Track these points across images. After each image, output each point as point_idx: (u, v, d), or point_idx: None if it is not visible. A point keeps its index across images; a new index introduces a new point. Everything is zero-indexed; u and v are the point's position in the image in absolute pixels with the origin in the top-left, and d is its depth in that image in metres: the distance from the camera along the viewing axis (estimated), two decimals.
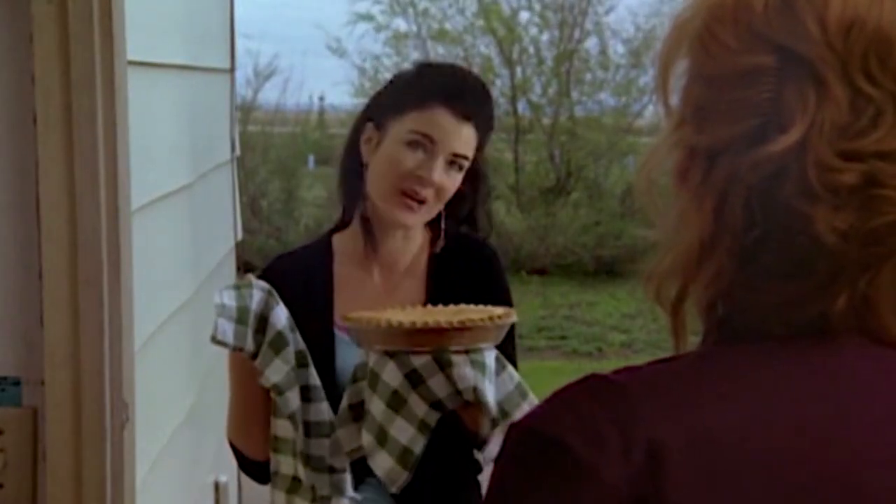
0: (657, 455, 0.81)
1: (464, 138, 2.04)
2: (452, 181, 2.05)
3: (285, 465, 2.00)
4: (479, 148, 2.09)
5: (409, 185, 2.03)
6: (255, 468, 2.11)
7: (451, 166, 2.04)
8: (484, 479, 2.11)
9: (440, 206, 2.08)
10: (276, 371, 1.94)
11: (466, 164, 2.06)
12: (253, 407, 2.02)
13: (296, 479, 1.99)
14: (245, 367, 1.98)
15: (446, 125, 2.02)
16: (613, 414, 0.83)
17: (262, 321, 1.95)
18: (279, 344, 1.95)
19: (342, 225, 2.16)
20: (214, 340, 1.92)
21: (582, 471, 0.82)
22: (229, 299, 1.94)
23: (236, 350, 1.95)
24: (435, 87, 2.06)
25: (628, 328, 9.67)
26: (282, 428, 1.98)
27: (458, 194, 2.11)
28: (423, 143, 2.03)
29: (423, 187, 2.03)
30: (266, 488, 2.13)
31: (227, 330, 1.92)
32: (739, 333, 0.90)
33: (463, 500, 2.13)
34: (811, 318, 0.87)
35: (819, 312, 0.87)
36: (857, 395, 0.87)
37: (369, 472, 2.01)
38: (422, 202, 2.04)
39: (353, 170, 2.12)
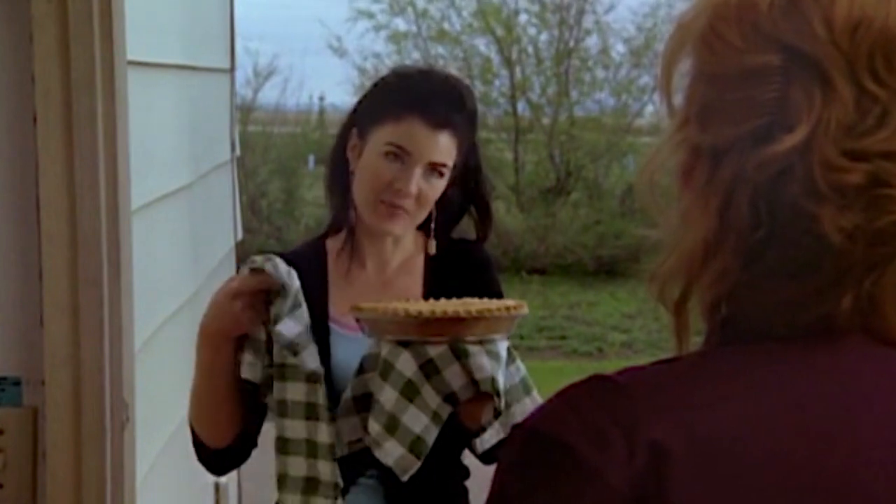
0: (660, 456, 0.81)
1: (440, 147, 2.03)
2: (433, 188, 2.05)
3: (295, 466, 1.99)
4: (461, 150, 2.08)
5: (388, 197, 2.03)
6: (213, 456, 2.09)
7: (430, 174, 2.04)
8: (472, 484, 2.12)
9: (424, 213, 2.08)
10: (290, 328, 1.96)
11: (447, 170, 2.06)
12: (224, 393, 2.00)
13: (310, 480, 1.97)
14: (222, 349, 1.98)
15: (420, 136, 2.02)
16: (616, 415, 0.83)
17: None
18: (295, 304, 1.97)
19: (334, 230, 2.17)
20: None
21: (585, 472, 0.81)
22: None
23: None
24: (408, 97, 2.05)
25: (628, 328, 9.67)
26: (290, 429, 1.97)
27: (446, 198, 2.11)
28: (399, 154, 2.03)
29: (401, 198, 2.03)
30: (266, 488, 2.13)
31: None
32: (743, 333, 0.89)
33: None
34: (816, 318, 0.87)
35: (824, 312, 0.87)
36: (861, 396, 0.86)
37: (361, 474, 2.01)
38: (405, 211, 2.04)
39: (340, 176, 2.12)
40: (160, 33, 2.53)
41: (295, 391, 1.97)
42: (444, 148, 2.04)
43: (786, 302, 0.87)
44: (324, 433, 1.96)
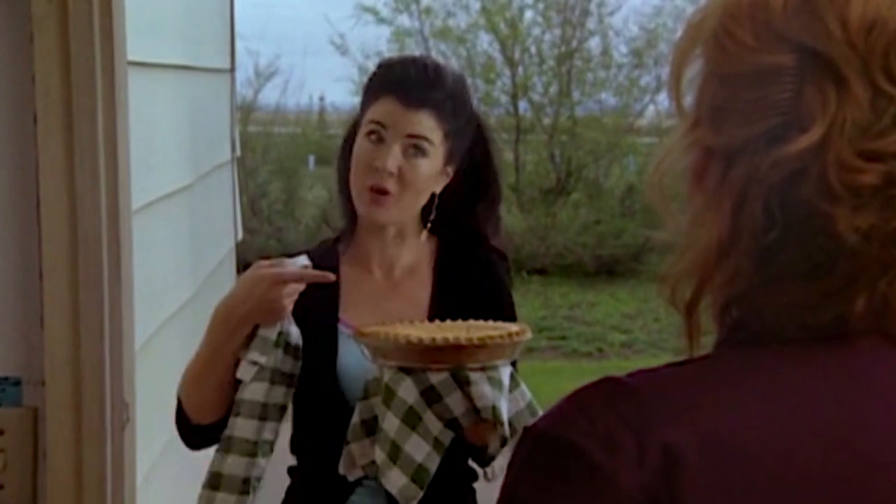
0: (671, 459, 0.80)
1: (417, 121, 2.02)
2: (415, 168, 2.03)
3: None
4: (449, 134, 2.06)
5: (371, 180, 2.02)
6: (194, 431, 2.07)
7: (411, 153, 2.03)
8: (479, 486, 2.11)
9: (413, 197, 2.06)
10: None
11: (429, 147, 2.04)
12: (223, 375, 1.98)
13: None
14: (238, 333, 1.95)
15: (396, 112, 2.02)
16: (627, 417, 0.82)
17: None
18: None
19: (344, 234, 2.17)
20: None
21: (596, 475, 0.81)
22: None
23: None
24: (385, 79, 2.07)
25: (628, 328, 9.67)
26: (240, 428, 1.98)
27: (453, 192, 2.11)
28: (378, 130, 2.03)
29: (382, 178, 2.01)
30: (266, 489, 2.11)
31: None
32: (755, 335, 0.89)
33: None
34: (829, 319, 0.86)
35: (837, 314, 0.86)
36: (875, 398, 0.86)
37: (365, 476, 2.00)
38: (387, 193, 2.03)
39: (343, 179, 2.13)
40: (160, 33, 2.53)
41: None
42: (423, 123, 2.03)
43: (799, 303, 0.86)
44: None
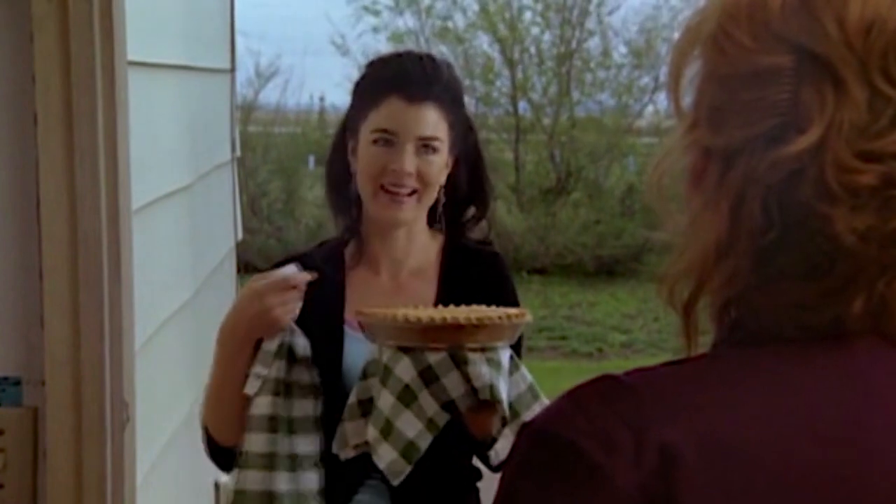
0: (669, 459, 0.80)
1: (425, 120, 2.03)
2: (430, 165, 2.04)
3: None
4: (453, 126, 2.07)
5: (388, 182, 2.02)
6: (224, 454, 2.06)
7: (424, 151, 2.03)
8: (484, 486, 2.11)
9: (431, 192, 2.07)
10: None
11: (440, 144, 2.05)
12: (240, 392, 1.97)
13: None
14: (244, 348, 1.96)
15: (402, 113, 2.02)
16: (625, 416, 0.82)
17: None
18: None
19: (347, 238, 2.17)
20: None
21: (594, 474, 0.81)
22: None
23: None
24: (382, 80, 2.06)
25: (628, 328, 9.68)
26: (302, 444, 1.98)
27: (455, 183, 2.11)
28: (387, 137, 2.03)
29: (401, 179, 2.02)
30: None
31: None
32: (753, 336, 0.89)
33: None
34: (827, 320, 0.86)
35: (835, 315, 0.86)
36: (873, 399, 0.86)
37: (367, 475, 2.00)
38: (410, 193, 2.03)
39: (342, 183, 2.12)
40: (160, 33, 2.53)
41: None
42: (430, 121, 2.03)
43: (797, 304, 0.86)
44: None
